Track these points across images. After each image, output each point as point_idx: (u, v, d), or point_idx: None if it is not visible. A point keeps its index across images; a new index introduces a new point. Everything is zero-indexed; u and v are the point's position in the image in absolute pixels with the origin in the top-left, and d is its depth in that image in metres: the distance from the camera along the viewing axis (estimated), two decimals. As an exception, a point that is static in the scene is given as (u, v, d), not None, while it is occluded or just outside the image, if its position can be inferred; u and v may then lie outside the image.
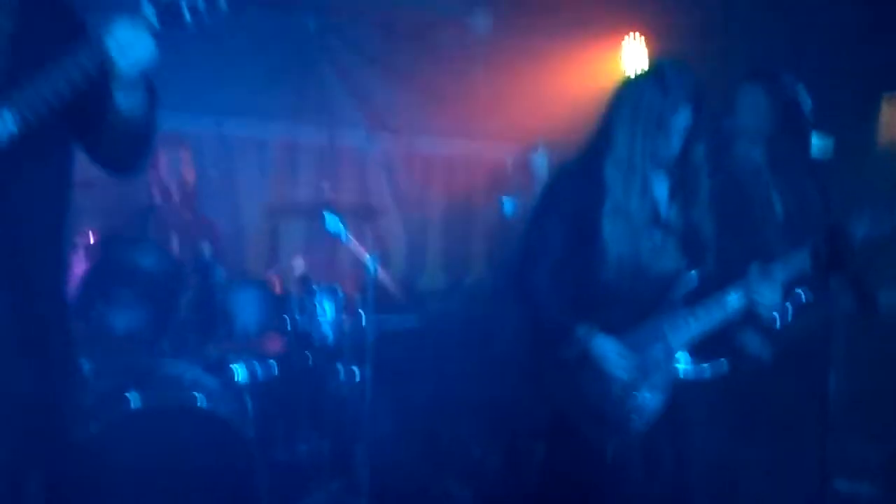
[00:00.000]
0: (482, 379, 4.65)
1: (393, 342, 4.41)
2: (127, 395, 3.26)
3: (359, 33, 5.58)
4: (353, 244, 4.28)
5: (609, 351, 2.57)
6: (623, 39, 5.48)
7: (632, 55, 5.41)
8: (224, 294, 3.91)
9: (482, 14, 5.66)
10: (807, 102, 2.24)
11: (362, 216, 4.73)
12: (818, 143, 2.38)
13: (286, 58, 5.34)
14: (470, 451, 4.68)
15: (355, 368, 4.16)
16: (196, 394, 3.42)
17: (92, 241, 3.73)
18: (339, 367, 4.17)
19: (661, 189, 2.71)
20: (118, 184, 4.21)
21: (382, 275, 4.36)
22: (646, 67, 2.82)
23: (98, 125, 1.94)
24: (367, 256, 4.23)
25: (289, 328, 4.06)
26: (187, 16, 1.80)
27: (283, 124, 5.40)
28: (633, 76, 2.76)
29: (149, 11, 1.79)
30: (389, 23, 5.58)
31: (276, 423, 4.05)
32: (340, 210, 4.32)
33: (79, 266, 3.68)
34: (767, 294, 2.55)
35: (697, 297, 2.62)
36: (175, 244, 4.10)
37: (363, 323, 4.18)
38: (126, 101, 1.86)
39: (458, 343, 4.81)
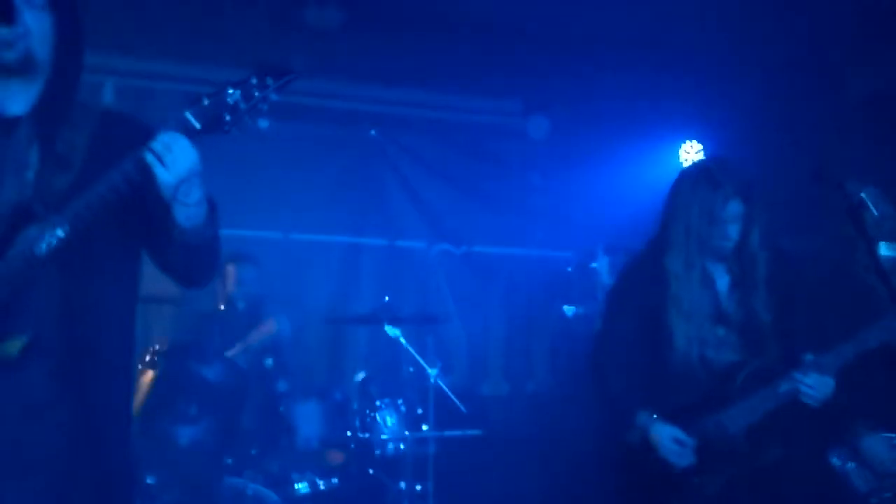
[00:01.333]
0: (547, 488, 4.52)
1: (455, 454, 4.33)
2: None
3: (418, 142, 5.70)
4: (415, 353, 4.27)
5: (666, 437, 2.65)
6: (680, 143, 5.51)
7: (688, 158, 5.43)
8: (286, 406, 3.93)
9: (539, 119, 5.74)
10: (874, 209, 2.19)
11: (424, 324, 4.73)
12: (888, 252, 2.32)
13: (349, 168, 5.48)
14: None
15: (417, 483, 4.09)
16: (258, 508, 3.41)
17: (158, 353, 3.80)
18: (401, 480, 4.10)
19: (721, 282, 2.80)
20: (185, 295, 4.37)
21: (444, 385, 4.32)
22: (695, 164, 2.99)
23: (163, 240, 1.96)
24: (429, 367, 4.21)
25: (351, 441, 4.04)
26: (227, 117, 1.85)
27: (347, 233, 5.50)
28: (684, 174, 2.89)
29: (190, 119, 1.84)
30: (448, 130, 5.70)
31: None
32: (402, 319, 4.34)
33: (145, 377, 3.74)
34: (816, 384, 2.61)
35: (755, 384, 2.68)
36: (236, 351, 4.14)
37: (425, 435, 4.13)
38: (186, 216, 1.89)
39: (521, 452, 4.71)
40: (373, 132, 5.51)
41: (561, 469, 4.59)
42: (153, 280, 2.16)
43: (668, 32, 4.70)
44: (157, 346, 3.77)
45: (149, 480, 3.47)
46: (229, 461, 3.64)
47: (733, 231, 2.72)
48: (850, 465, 3.01)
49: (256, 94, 1.85)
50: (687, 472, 2.65)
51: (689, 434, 2.66)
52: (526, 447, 4.70)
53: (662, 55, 4.95)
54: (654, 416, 2.69)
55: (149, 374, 3.67)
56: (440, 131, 5.69)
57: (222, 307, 4.51)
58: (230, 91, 1.84)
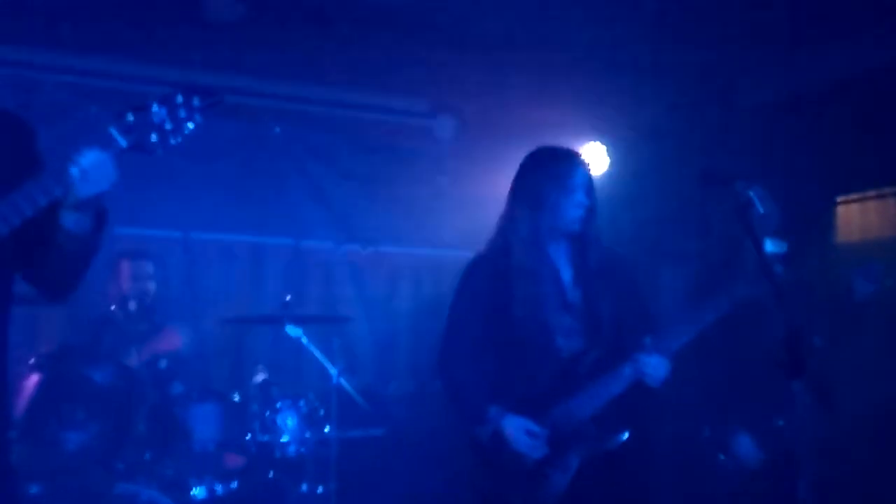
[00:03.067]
0: (450, 487, 4.51)
1: (358, 453, 4.28)
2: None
3: (324, 141, 5.63)
4: (318, 354, 4.21)
5: (518, 430, 2.68)
6: (585, 145, 5.60)
7: (593, 160, 5.52)
8: (182, 409, 3.80)
9: (446, 120, 5.73)
10: (759, 208, 2.28)
11: (327, 324, 4.67)
12: (772, 248, 2.41)
13: (252, 166, 5.36)
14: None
15: (319, 485, 4.02)
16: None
17: (44, 355, 3.64)
18: (302, 482, 4.03)
19: (565, 271, 2.86)
20: (78, 296, 4.19)
21: (347, 385, 4.26)
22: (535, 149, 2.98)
23: (45, 244, 1.91)
24: (332, 367, 4.15)
25: (250, 444, 3.95)
26: (154, 137, 1.85)
27: (250, 232, 5.39)
28: (526, 159, 2.94)
29: (116, 136, 1.83)
30: (355, 130, 5.65)
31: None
32: (304, 319, 4.27)
33: (30, 381, 3.57)
34: (656, 367, 2.71)
35: (599, 371, 2.76)
36: (132, 357, 3.99)
37: (327, 436, 4.06)
38: (75, 222, 1.87)
39: (425, 451, 4.69)
40: (277, 129, 5.40)
41: (464, 468, 4.59)
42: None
43: (575, 35, 4.76)
44: (42, 349, 3.62)
45: (34, 490, 3.32)
46: (121, 466, 3.51)
47: (583, 197, 2.80)
48: (720, 455, 3.20)
49: (182, 113, 1.86)
50: (540, 464, 2.68)
51: (540, 424, 2.70)
52: (429, 446, 4.68)
53: (568, 58, 5.02)
54: (504, 409, 2.70)
55: (34, 378, 3.51)
56: (346, 130, 5.62)
57: (113, 307, 4.34)
58: (155, 109, 1.84)
